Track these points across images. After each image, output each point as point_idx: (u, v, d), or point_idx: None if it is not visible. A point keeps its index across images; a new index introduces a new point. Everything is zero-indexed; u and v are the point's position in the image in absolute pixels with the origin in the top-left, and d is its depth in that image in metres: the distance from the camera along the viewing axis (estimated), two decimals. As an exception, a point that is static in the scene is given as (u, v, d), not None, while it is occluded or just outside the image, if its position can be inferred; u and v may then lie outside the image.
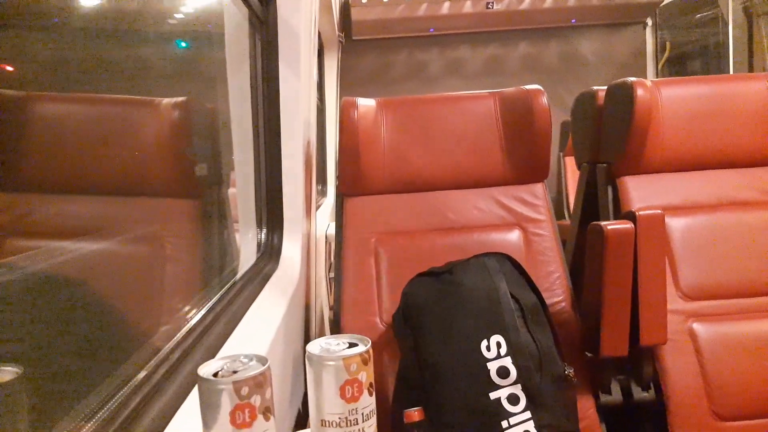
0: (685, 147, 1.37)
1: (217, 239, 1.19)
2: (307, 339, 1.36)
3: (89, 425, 0.53)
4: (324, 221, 2.27)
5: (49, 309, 0.59)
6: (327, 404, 0.56)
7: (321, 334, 1.66)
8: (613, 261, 1.10)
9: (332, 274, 1.43)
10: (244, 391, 0.48)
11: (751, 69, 2.71)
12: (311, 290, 1.47)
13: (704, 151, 1.38)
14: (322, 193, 3.16)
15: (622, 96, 1.35)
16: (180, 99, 0.94)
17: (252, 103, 1.22)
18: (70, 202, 0.69)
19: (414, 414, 1.01)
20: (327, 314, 1.86)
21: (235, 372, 0.50)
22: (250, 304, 0.99)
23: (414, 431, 1.00)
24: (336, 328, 1.25)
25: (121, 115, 0.82)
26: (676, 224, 1.32)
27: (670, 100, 1.38)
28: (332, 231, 1.45)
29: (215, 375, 0.50)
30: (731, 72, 2.84)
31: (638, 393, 1.21)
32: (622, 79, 1.38)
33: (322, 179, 3.18)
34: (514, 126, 1.38)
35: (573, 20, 3.65)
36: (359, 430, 0.56)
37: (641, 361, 1.19)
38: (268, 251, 1.29)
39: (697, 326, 1.23)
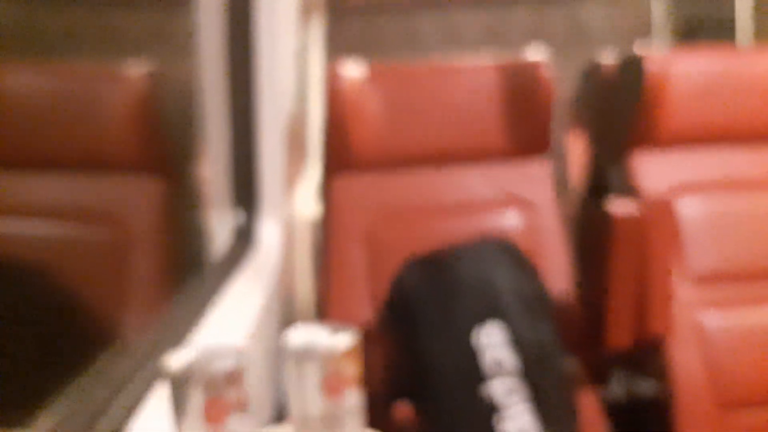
0: (699, 122, 1.37)
1: (186, 220, 1.17)
2: (287, 329, 1.36)
3: (44, 422, 0.52)
4: (308, 200, 2.25)
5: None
6: (308, 399, 0.55)
7: (304, 323, 1.66)
8: (619, 248, 1.10)
9: (317, 259, 1.42)
10: (218, 384, 0.48)
11: (757, 41, 2.76)
12: (293, 276, 1.46)
13: (719, 127, 1.38)
14: (305, 168, 3.14)
15: (631, 68, 1.34)
16: (141, 61, 0.91)
17: (226, 64, 1.19)
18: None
19: (404, 408, 1.01)
20: (310, 301, 1.86)
21: (207, 364, 0.49)
22: (226, 291, 0.98)
23: (404, 426, 1.00)
24: (320, 317, 1.25)
25: (72, 81, 0.79)
26: (687, 204, 1.32)
27: (682, 72, 1.37)
28: (317, 211, 1.44)
29: (186, 368, 0.49)
30: (737, 43, 2.87)
31: (642, 386, 1.22)
32: (631, 50, 1.37)
33: (304, 153, 3.15)
34: (516, 98, 1.36)
35: None
36: (344, 426, 0.56)
37: (646, 352, 1.21)
38: (245, 233, 1.27)
39: (705, 315, 1.24)
